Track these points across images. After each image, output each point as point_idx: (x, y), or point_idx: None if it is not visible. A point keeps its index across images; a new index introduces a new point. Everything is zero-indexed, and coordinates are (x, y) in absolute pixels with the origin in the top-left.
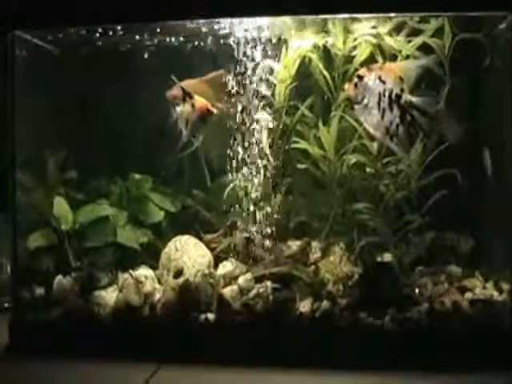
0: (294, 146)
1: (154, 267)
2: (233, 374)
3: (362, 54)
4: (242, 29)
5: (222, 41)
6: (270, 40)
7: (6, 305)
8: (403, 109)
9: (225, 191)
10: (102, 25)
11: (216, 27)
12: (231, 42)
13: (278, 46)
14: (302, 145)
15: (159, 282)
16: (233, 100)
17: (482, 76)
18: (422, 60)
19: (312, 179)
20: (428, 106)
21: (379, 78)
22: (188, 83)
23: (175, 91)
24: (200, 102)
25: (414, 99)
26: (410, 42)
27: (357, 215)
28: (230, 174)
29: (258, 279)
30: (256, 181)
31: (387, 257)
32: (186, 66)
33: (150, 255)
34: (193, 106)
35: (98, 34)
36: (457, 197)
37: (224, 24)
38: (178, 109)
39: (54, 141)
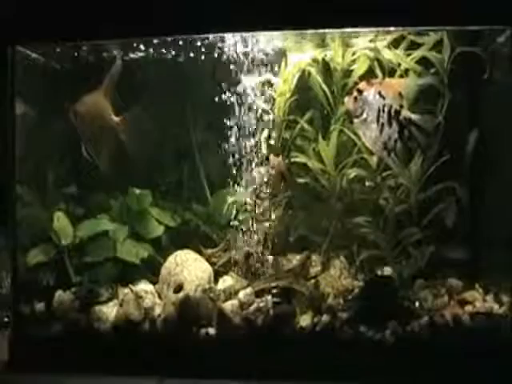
0: (293, 159)
1: (154, 282)
2: None
3: (360, 67)
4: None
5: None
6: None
7: (6, 319)
8: (402, 125)
9: (225, 205)
10: (105, 40)
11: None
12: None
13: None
14: (302, 159)
15: (159, 296)
16: None
17: (480, 89)
18: (424, 78)
19: (312, 193)
20: (426, 123)
21: (379, 92)
22: (90, 101)
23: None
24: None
25: (413, 116)
26: (409, 55)
27: (357, 229)
28: (230, 188)
29: (259, 293)
30: (256, 195)
31: (387, 270)
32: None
33: (150, 270)
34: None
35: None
36: (456, 209)
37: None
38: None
39: (54, 155)
